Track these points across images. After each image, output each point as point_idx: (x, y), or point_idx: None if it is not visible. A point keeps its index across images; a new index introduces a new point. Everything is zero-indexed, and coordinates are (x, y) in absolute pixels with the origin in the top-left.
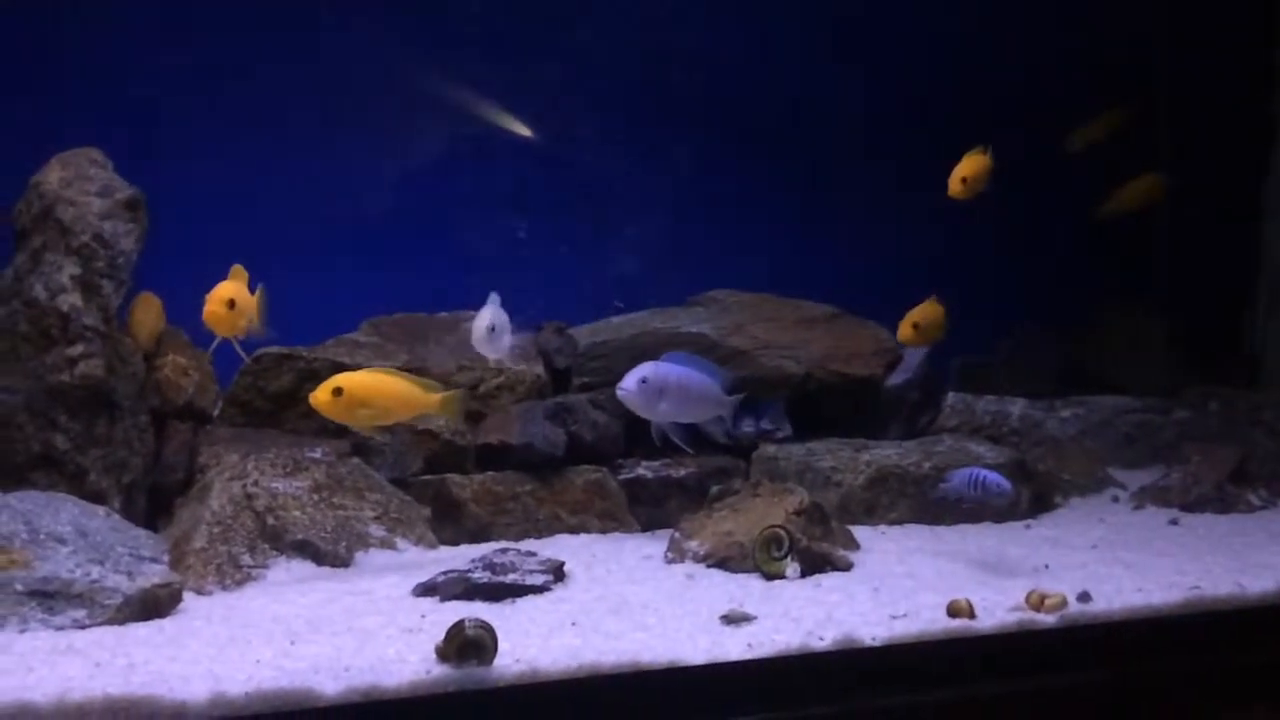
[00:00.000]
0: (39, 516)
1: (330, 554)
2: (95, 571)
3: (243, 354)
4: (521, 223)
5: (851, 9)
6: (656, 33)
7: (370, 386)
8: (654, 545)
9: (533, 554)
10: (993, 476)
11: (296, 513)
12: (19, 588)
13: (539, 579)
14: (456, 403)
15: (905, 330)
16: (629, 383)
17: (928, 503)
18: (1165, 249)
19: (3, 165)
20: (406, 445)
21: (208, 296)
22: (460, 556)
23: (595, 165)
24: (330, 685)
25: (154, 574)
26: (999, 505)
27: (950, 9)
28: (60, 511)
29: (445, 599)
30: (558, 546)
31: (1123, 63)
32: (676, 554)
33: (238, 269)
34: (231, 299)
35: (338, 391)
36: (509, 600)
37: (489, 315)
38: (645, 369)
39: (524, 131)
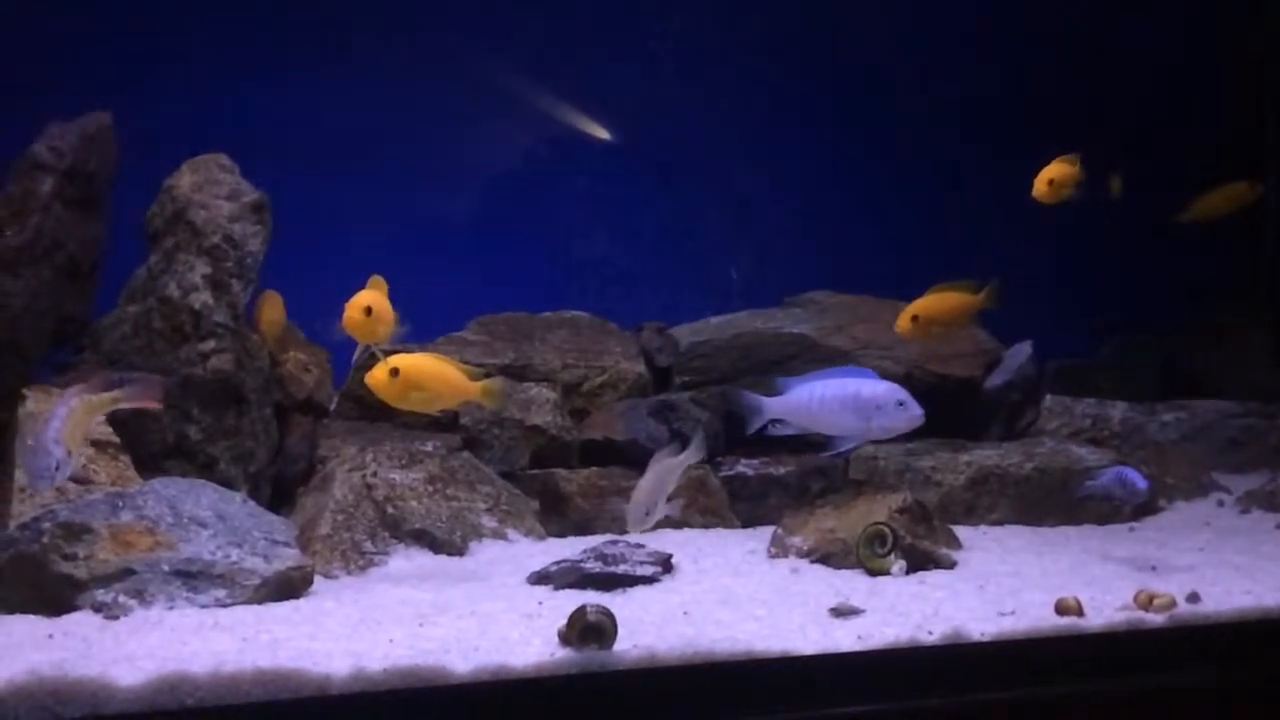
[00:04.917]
0: (181, 501)
1: (447, 542)
2: (234, 554)
3: (381, 356)
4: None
5: (963, 11)
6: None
7: (424, 370)
8: (756, 541)
9: (641, 546)
10: (1132, 474)
11: (413, 503)
12: (165, 568)
13: (648, 570)
14: (498, 390)
15: (903, 322)
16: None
17: (1029, 503)
18: (1272, 250)
19: (137, 169)
20: (514, 440)
21: (347, 305)
22: (569, 547)
23: (696, 169)
24: (461, 664)
25: (288, 557)
26: (1138, 502)
27: (1057, 13)
28: (201, 497)
29: (559, 587)
30: (662, 540)
31: (1231, 62)
32: (779, 549)
33: (377, 279)
34: (369, 306)
35: (394, 372)
36: (620, 590)
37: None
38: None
39: (607, 136)
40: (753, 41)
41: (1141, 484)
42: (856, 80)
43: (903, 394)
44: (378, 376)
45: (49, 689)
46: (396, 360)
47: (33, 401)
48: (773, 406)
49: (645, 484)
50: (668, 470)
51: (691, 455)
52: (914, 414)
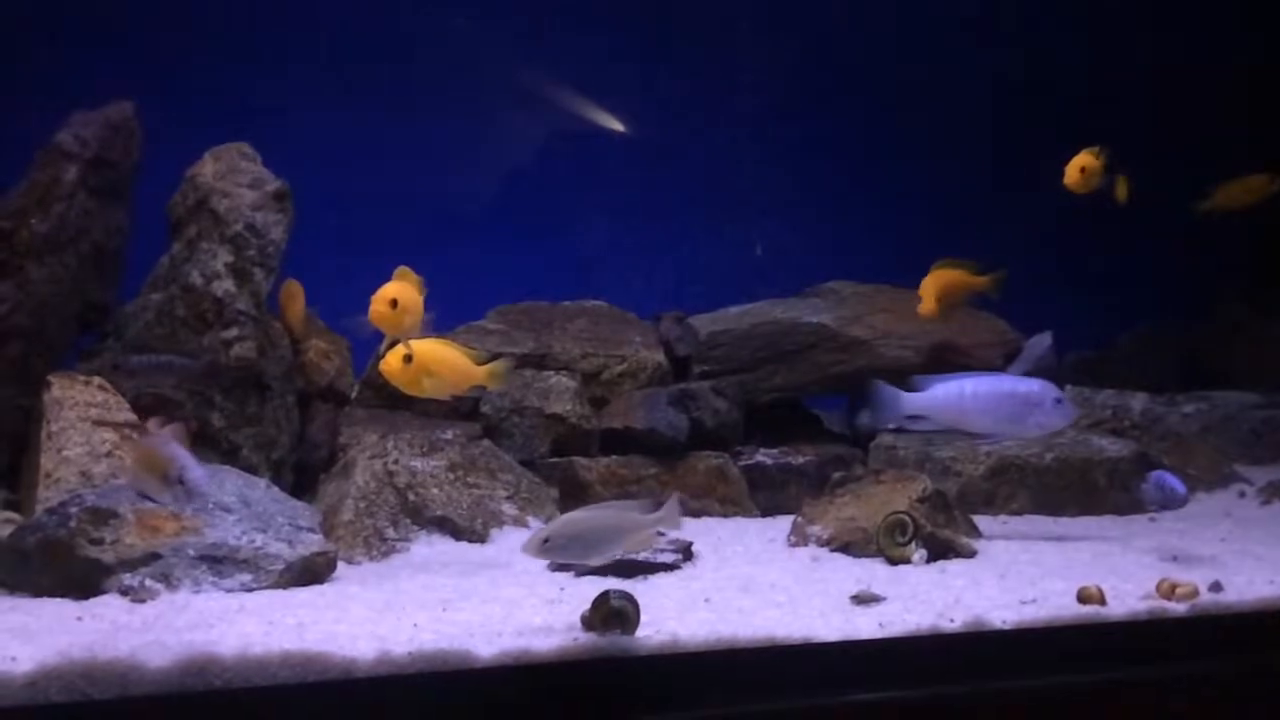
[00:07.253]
0: None
1: (468, 530)
2: (259, 539)
3: (410, 350)
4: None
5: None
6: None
7: (436, 356)
8: (775, 529)
9: (661, 534)
10: (1171, 479)
11: (435, 490)
12: (191, 552)
13: (669, 557)
14: (502, 371)
15: (928, 302)
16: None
17: (1049, 493)
18: None
19: (159, 159)
20: (534, 428)
21: (373, 297)
22: None
23: (715, 158)
24: (485, 649)
25: (312, 543)
26: (1176, 508)
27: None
28: (225, 482)
29: (580, 574)
30: (682, 529)
31: (1250, 58)
32: (799, 538)
33: (404, 270)
34: (394, 298)
35: (408, 358)
36: (641, 577)
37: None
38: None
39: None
40: (769, 30)
41: (1180, 490)
42: (878, 72)
43: (1058, 391)
44: (391, 363)
45: (79, 670)
46: (410, 344)
47: (58, 388)
48: (914, 402)
49: (583, 519)
50: (630, 524)
51: (664, 521)
52: (1071, 412)
